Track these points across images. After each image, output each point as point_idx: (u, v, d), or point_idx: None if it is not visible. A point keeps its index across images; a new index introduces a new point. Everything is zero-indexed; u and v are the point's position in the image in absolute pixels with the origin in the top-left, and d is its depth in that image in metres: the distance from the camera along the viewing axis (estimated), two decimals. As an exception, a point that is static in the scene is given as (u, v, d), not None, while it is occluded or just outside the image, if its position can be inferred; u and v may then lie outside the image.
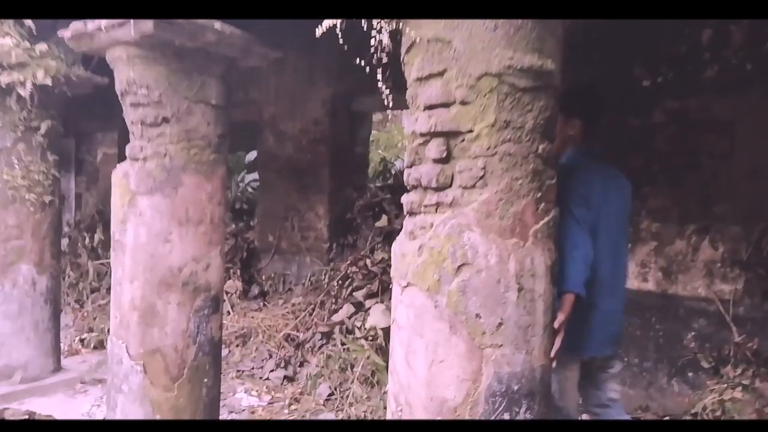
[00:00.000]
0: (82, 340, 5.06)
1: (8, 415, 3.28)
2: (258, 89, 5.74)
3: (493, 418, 1.72)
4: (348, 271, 4.71)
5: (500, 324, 1.73)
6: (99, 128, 7.53)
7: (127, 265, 2.75)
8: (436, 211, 1.82)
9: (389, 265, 4.61)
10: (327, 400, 3.82)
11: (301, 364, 4.32)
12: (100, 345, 4.88)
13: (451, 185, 1.79)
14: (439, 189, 1.80)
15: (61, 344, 4.95)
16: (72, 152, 7.67)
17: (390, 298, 4.52)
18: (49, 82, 3.38)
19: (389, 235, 4.71)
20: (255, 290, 5.47)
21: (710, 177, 3.46)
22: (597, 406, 2.51)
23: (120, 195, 2.76)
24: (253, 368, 4.40)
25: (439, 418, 1.75)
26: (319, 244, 5.35)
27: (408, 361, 1.85)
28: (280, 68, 5.56)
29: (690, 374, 3.53)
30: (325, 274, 4.99)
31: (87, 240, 6.40)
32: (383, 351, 3.97)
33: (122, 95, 2.72)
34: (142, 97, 2.64)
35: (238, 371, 4.38)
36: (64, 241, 6.34)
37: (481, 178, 1.74)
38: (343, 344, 4.12)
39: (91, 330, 5.23)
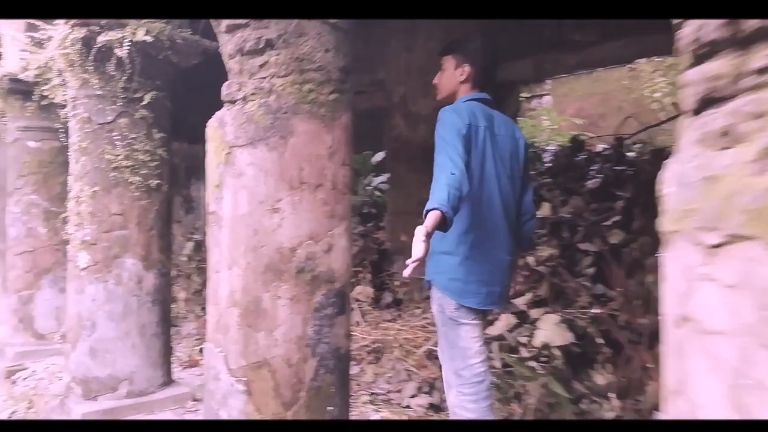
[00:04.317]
0: (202, 350, 4.57)
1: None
2: (386, 68, 5.00)
3: None
4: (503, 272, 3.71)
5: None
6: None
7: (225, 245, 2.03)
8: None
9: (560, 264, 3.57)
10: (488, 440, 2.84)
11: (449, 390, 3.37)
12: (221, 357, 4.33)
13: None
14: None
15: (180, 354, 4.53)
16: (202, 159, 7.50)
17: (566, 306, 3.46)
18: (149, 39, 2.86)
19: (556, 227, 3.65)
20: (388, 297, 4.66)
21: None
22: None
23: (215, 150, 2.07)
24: (389, 392, 3.55)
25: None
26: (463, 241, 4.42)
27: (736, 399, 0.86)
28: (410, 39, 4.78)
29: None
30: (472, 277, 4.03)
31: (212, 245, 6.05)
32: (562, 377, 2.93)
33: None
34: (240, 14, 1.94)
35: (371, 394, 3.56)
36: (190, 245, 6.06)
37: None
38: (505, 366, 3.13)
39: (212, 340, 4.73)
